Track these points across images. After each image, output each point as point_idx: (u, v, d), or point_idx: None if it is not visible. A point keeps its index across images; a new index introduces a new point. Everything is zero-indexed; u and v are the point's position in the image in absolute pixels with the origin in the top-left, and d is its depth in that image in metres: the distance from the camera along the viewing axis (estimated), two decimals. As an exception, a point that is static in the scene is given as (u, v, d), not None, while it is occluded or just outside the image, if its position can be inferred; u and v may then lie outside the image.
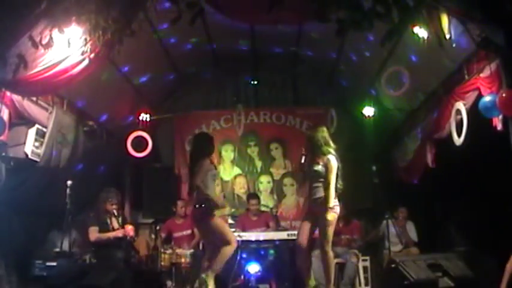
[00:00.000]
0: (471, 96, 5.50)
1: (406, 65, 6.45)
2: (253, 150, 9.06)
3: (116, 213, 6.65)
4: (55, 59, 4.76)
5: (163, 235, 7.52)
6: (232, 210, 8.35)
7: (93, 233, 6.43)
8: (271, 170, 9.03)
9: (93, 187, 7.17)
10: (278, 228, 7.44)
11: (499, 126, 4.91)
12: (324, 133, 5.57)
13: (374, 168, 7.20)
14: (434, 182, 7.01)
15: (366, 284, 7.10)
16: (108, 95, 7.38)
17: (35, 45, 4.56)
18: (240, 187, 8.92)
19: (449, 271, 5.67)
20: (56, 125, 6.08)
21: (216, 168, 5.74)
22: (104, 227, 6.52)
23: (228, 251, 5.37)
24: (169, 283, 6.90)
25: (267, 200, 8.62)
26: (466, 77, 5.58)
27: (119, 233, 6.50)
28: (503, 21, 4.42)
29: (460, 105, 5.64)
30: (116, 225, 6.64)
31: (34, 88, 5.04)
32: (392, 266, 5.83)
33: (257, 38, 7.90)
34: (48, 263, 6.03)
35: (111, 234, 6.47)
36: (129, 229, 6.58)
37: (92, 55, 4.81)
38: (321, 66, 8.68)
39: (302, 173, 5.75)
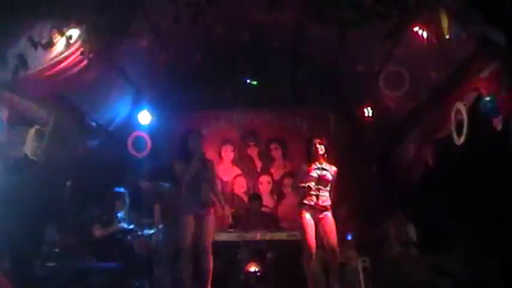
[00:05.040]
0: (471, 97, 5.48)
1: (406, 65, 6.45)
2: (252, 151, 9.03)
3: (120, 214, 6.70)
4: (55, 59, 4.77)
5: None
6: (232, 210, 8.33)
7: (98, 230, 6.49)
8: (271, 170, 9.01)
9: (92, 187, 7.16)
10: (278, 228, 7.43)
11: (499, 127, 4.91)
12: None
13: (374, 168, 7.18)
14: (434, 182, 7.00)
15: (366, 285, 7.08)
16: (108, 95, 7.38)
17: (35, 46, 4.56)
18: (240, 187, 8.89)
19: (448, 271, 5.67)
20: (55, 125, 6.08)
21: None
22: (107, 227, 6.55)
23: None
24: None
25: (267, 201, 8.60)
26: (466, 77, 5.58)
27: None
28: (503, 21, 4.42)
29: (460, 106, 5.63)
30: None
31: (34, 88, 5.04)
32: (392, 266, 5.83)
33: (257, 38, 7.89)
34: (48, 263, 6.03)
35: (115, 228, 6.51)
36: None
37: (92, 55, 4.81)
38: (321, 66, 8.67)
39: None
